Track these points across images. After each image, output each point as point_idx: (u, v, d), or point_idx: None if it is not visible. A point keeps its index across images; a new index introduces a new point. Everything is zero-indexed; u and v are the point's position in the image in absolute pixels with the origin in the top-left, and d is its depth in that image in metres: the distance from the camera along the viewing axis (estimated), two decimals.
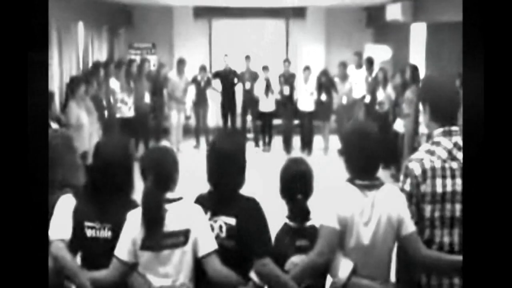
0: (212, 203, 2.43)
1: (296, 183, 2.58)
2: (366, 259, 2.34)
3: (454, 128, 2.46)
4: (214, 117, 10.60)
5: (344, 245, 2.35)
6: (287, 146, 9.96)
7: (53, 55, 7.95)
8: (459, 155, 2.42)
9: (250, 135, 10.40)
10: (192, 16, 11.70)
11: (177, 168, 2.45)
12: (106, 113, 7.74)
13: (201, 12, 11.59)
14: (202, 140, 10.09)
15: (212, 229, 2.39)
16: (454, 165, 2.42)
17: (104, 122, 7.49)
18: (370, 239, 2.33)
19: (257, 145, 10.21)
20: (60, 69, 8.25)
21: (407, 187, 2.43)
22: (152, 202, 2.30)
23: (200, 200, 2.47)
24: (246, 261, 2.36)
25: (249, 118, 10.43)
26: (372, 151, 2.40)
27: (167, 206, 2.33)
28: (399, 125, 7.78)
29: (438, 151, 2.44)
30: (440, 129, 2.46)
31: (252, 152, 10.09)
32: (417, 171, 2.41)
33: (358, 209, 2.33)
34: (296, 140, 10.04)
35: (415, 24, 9.60)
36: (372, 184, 2.37)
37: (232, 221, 2.38)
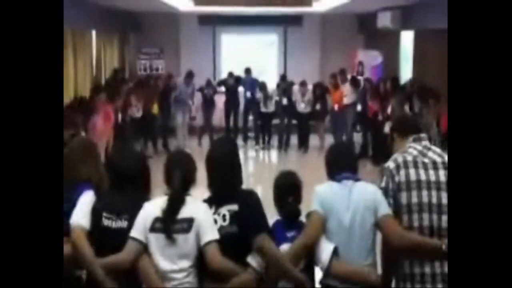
0: (215, 200, 2.57)
1: (287, 193, 2.76)
2: (349, 240, 2.54)
3: (422, 135, 2.78)
4: (218, 117, 11.15)
5: (327, 229, 2.55)
6: (280, 145, 10.65)
7: (69, 63, 8.31)
8: (430, 153, 2.66)
9: (251, 134, 11.03)
10: (197, 23, 12.11)
11: (196, 171, 2.60)
12: (119, 116, 8.34)
13: (206, 20, 12.00)
14: (206, 138, 10.62)
15: (216, 222, 2.49)
16: (426, 160, 2.64)
17: (117, 125, 8.08)
18: (350, 222, 2.53)
19: (257, 143, 10.85)
20: (75, 76, 8.64)
21: (383, 184, 2.64)
22: (178, 197, 2.48)
23: (204, 201, 2.60)
24: (247, 249, 2.45)
25: (250, 117, 10.99)
26: (348, 159, 2.78)
27: None
28: (388, 128, 8.44)
29: (409, 150, 2.70)
30: (411, 137, 2.76)
31: (253, 149, 10.80)
32: (391, 166, 2.65)
33: (338, 196, 2.58)
34: (294, 139, 10.66)
35: (405, 31, 10.09)
36: (349, 176, 2.65)
37: (234, 207, 2.50)
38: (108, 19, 9.89)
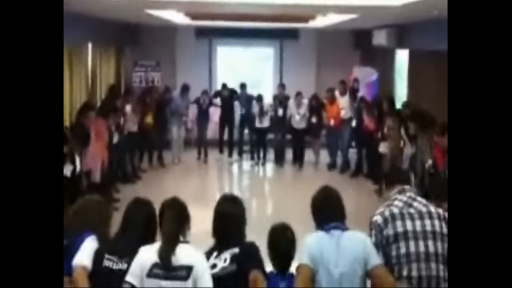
0: (217, 247, 2.75)
1: (280, 249, 2.87)
2: None
3: (406, 187, 2.96)
4: (212, 130, 11.14)
5: (317, 281, 2.58)
6: (278, 160, 10.70)
7: (64, 75, 8.16)
8: (415, 204, 2.81)
9: (246, 147, 11.07)
10: (194, 36, 12.09)
11: (189, 218, 2.71)
12: (116, 133, 8.23)
13: (202, 32, 11.99)
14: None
15: (216, 265, 2.63)
16: (411, 210, 2.78)
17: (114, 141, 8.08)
18: (339, 274, 2.55)
19: (252, 158, 10.88)
20: (70, 90, 8.56)
21: (373, 238, 2.76)
22: (170, 239, 2.55)
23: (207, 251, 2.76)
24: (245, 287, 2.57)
25: (246, 131, 11.00)
26: (335, 208, 2.78)
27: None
28: (383, 148, 8.51)
29: (395, 203, 2.86)
30: (396, 189, 2.97)
31: (248, 164, 10.86)
32: (380, 220, 2.79)
33: (327, 248, 2.60)
34: (289, 153, 10.71)
35: (400, 50, 10.18)
36: (336, 225, 2.68)
37: (236, 250, 2.67)
38: (105, 31, 9.86)
